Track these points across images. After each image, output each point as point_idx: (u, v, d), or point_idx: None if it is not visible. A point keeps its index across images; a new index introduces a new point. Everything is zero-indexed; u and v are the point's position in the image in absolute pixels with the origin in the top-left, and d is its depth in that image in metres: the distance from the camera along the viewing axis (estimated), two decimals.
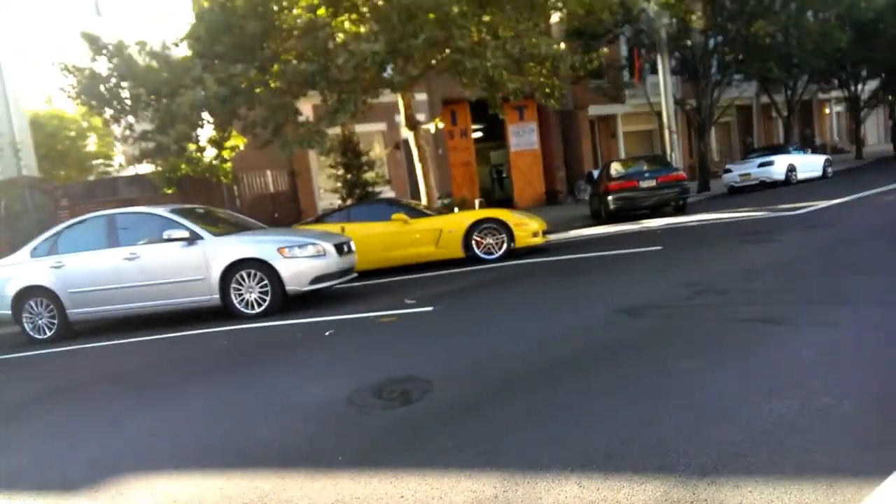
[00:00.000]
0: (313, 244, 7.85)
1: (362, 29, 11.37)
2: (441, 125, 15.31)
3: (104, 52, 11.95)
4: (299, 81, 11.59)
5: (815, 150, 26.07)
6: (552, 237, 13.30)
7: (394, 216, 10.41)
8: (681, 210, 14.96)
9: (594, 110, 24.61)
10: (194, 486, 3.18)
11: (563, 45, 12.94)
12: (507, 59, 11.53)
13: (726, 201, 17.29)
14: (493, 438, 3.21)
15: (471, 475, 2.84)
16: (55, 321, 8.09)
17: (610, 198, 14.67)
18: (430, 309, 6.88)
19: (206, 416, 4.26)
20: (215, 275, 7.62)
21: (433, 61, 11.76)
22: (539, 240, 10.48)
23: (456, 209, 15.19)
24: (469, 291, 8.02)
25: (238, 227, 8.70)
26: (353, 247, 8.75)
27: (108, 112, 12.21)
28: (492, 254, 10.24)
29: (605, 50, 13.34)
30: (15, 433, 4.48)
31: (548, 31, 18.37)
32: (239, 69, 11.27)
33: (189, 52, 12.29)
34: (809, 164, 19.94)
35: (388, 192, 18.34)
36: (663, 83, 19.78)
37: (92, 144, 21.76)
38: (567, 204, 22.93)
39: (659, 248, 9.48)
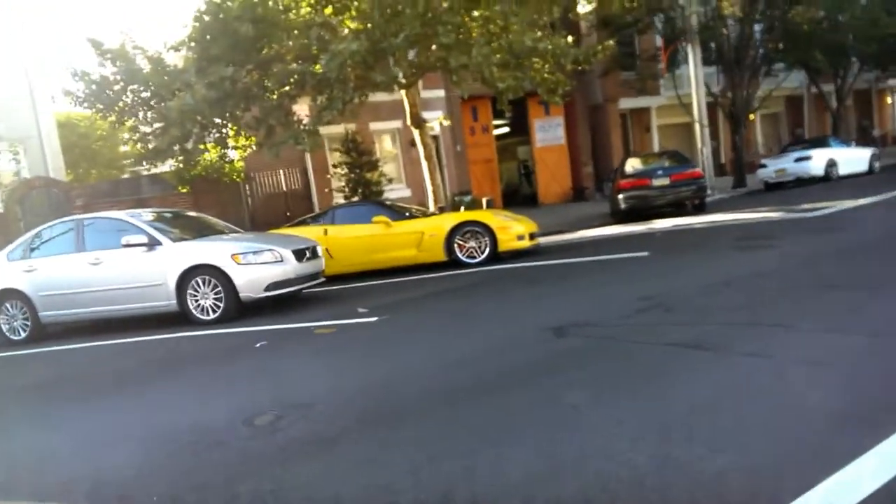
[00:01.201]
0: (270, 250, 7.74)
1: (351, 26, 11.19)
2: (446, 122, 15.00)
3: (108, 56, 12.21)
4: (291, 82, 11.53)
5: (874, 143, 24.51)
6: (553, 239, 12.88)
7: (374, 219, 10.22)
8: (700, 209, 14.23)
9: (626, 103, 23.77)
10: None
11: (569, 39, 12.39)
12: (501, 55, 11.16)
13: (754, 199, 16.39)
14: (303, 486, 2.98)
15: None
16: (28, 323, 8.27)
17: (620, 196, 14.08)
18: (374, 319, 6.67)
19: (63, 439, 4.17)
20: (172, 281, 7.61)
21: (423, 59, 11.45)
22: (525, 243, 10.09)
23: (462, 209, 14.92)
24: (427, 299, 7.76)
25: (208, 231, 8.67)
26: (320, 251, 8.61)
27: (112, 115, 12.47)
28: (474, 258, 9.93)
29: (611, 42, 12.72)
30: None
31: (567, 24, 17.83)
32: (230, 72, 11.30)
33: (191, 55, 12.41)
34: (853, 159, 18.68)
35: (401, 191, 18.20)
36: (694, 74, 18.89)
37: (126, 144, 22.38)
38: (595, 201, 22.26)
39: (645, 254, 8.97)
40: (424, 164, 14.41)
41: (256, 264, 7.61)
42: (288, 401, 4.24)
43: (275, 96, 11.65)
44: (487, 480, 2.76)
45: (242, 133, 12.41)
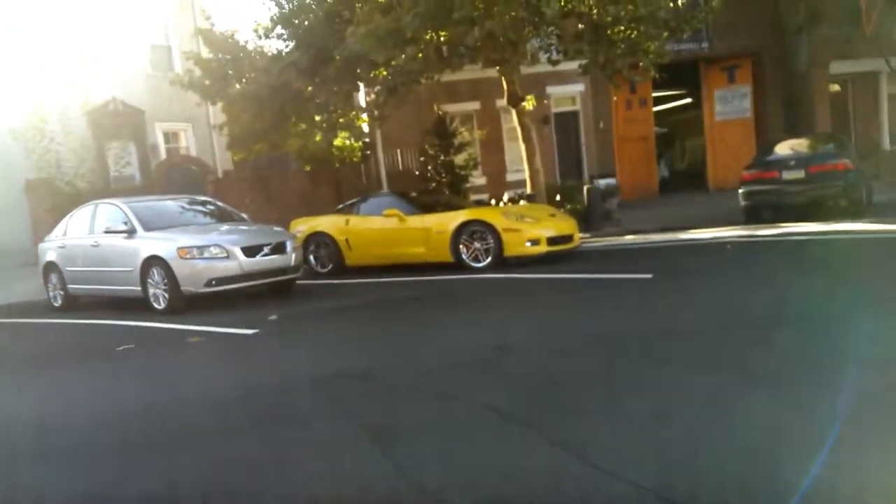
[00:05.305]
0: (217, 246, 7.70)
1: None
2: (532, 105, 13.41)
3: (211, 44, 13.14)
4: (350, 65, 11.29)
5: None
6: (620, 241, 11.08)
7: (385, 212, 9.59)
8: (853, 213, 10.79)
9: (845, 66, 19.09)
10: None
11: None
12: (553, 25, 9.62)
13: None
14: None
15: None
16: (63, 293, 9.40)
17: (740, 191, 11.42)
18: (250, 332, 6.27)
19: None
20: (137, 268, 8.00)
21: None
22: (537, 249, 8.66)
23: (558, 196, 13.52)
24: (338, 312, 7.12)
25: (216, 220, 8.95)
26: (289, 247, 8.32)
27: (215, 101, 13.43)
28: (480, 261, 8.84)
29: (715, 2, 10.08)
30: None
31: None
32: (295, 56, 11.44)
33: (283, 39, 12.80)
34: None
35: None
36: None
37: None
38: None
39: (648, 276, 7.13)
40: (522, 146, 13.31)
41: (200, 259, 7.64)
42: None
43: (334, 81, 11.49)
44: None
45: (317, 117, 12.54)
